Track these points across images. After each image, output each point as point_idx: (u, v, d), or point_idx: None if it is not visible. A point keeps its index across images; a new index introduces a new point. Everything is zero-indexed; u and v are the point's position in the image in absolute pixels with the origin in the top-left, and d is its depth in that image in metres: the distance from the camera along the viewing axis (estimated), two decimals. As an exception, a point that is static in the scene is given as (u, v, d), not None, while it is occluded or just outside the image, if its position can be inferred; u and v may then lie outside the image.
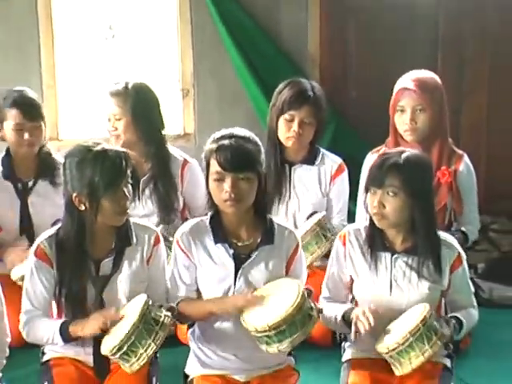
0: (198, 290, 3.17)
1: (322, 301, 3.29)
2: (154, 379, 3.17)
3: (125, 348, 2.90)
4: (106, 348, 2.96)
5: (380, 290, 3.16)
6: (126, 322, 2.94)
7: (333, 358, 3.56)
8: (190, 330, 3.24)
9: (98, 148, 3.02)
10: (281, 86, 4.12)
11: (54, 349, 3.21)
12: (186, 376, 3.23)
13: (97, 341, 3.05)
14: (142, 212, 4.11)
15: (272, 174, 3.98)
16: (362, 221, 3.38)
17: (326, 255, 3.58)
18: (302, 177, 4.17)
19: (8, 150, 4.15)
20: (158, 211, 4.15)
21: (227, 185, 2.99)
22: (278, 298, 2.95)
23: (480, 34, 5.47)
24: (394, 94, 3.97)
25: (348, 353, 3.31)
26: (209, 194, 3.09)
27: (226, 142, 3.00)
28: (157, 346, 2.92)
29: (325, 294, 3.32)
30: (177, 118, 5.45)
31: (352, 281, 3.27)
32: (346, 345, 3.35)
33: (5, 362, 3.13)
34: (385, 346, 3.00)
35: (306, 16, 5.41)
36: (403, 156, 3.11)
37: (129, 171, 3.07)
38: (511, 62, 5.50)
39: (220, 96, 5.43)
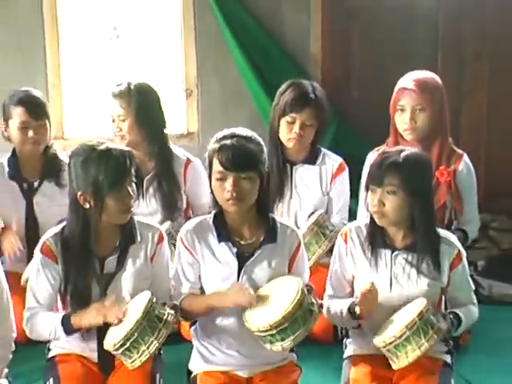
0: (201, 288, 3.17)
1: (326, 298, 3.29)
2: (158, 375, 3.17)
3: (127, 344, 2.91)
4: (109, 343, 2.96)
5: (380, 287, 3.15)
6: (129, 318, 2.94)
7: (334, 354, 3.56)
8: (193, 327, 3.24)
9: (103, 147, 3.03)
10: (283, 86, 4.12)
11: (60, 345, 3.22)
12: (190, 372, 3.23)
13: (101, 337, 3.05)
14: (146, 210, 4.12)
15: (273, 174, 3.98)
16: (363, 219, 3.38)
17: (330, 251, 3.59)
18: (304, 176, 4.17)
19: (14, 151, 4.16)
20: (161, 209, 4.15)
21: (229, 184, 2.99)
22: (278, 297, 2.95)
23: (480, 34, 5.46)
24: (394, 93, 3.97)
25: (349, 349, 3.32)
26: (212, 192, 3.09)
27: (228, 141, 3.00)
28: (159, 344, 2.92)
29: (329, 292, 3.32)
30: (180, 117, 5.45)
31: (354, 277, 3.27)
32: (347, 341, 3.36)
33: (11, 356, 3.13)
34: (382, 339, 3.01)
35: (308, 18, 5.41)
36: (402, 155, 3.11)
37: (133, 170, 3.08)
38: (511, 62, 5.49)
39: (223, 96, 5.43)
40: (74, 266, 3.08)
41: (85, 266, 3.08)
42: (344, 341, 3.39)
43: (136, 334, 2.89)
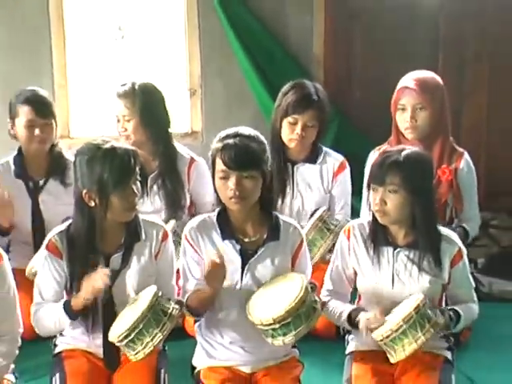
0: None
1: (324, 293, 3.29)
2: (163, 371, 3.16)
3: (132, 335, 2.91)
4: (114, 335, 2.96)
5: (382, 284, 3.16)
6: (135, 310, 2.94)
7: (336, 350, 3.55)
8: (197, 323, 3.24)
9: (107, 146, 3.03)
10: (286, 87, 4.12)
11: (66, 341, 3.22)
12: (193, 368, 3.23)
13: (106, 332, 3.04)
14: (151, 208, 4.12)
15: (275, 173, 3.98)
16: (366, 216, 3.38)
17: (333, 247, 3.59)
18: (305, 175, 4.18)
19: (20, 150, 4.16)
20: (165, 208, 4.16)
21: (232, 183, 2.98)
22: (283, 292, 2.95)
23: (480, 35, 5.46)
24: (395, 92, 3.97)
25: (351, 345, 3.31)
26: (215, 191, 3.09)
27: (230, 141, 3.00)
28: (163, 336, 2.92)
29: (328, 287, 3.32)
30: (184, 116, 5.46)
31: (355, 274, 3.27)
32: (349, 337, 3.35)
33: (17, 352, 3.13)
34: (379, 332, 3.01)
35: (311, 19, 5.41)
36: (403, 154, 3.11)
37: (137, 168, 3.08)
38: (511, 63, 5.49)
39: (226, 96, 5.43)
40: (79, 263, 3.08)
41: (90, 264, 3.08)
42: (346, 337, 3.39)
43: (141, 326, 2.89)
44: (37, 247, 3.84)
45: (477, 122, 5.58)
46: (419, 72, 3.99)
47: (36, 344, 3.52)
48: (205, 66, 5.39)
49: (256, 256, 3.09)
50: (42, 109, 4.06)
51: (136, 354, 2.94)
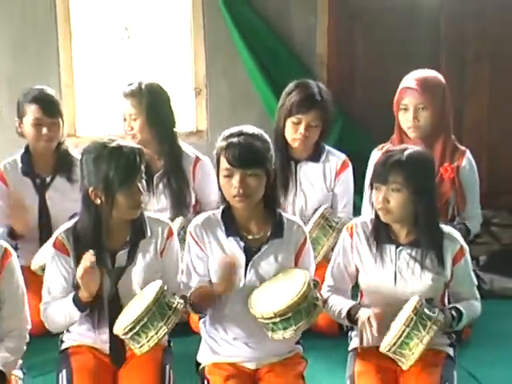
0: (210, 282, 3.15)
1: (325, 289, 3.29)
2: (168, 367, 3.16)
3: (137, 328, 2.90)
4: (119, 327, 2.96)
5: (385, 281, 3.15)
6: (140, 304, 2.95)
7: (340, 346, 3.54)
8: (202, 320, 3.24)
9: (113, 144, 3.03)
10: (289, 87, 4.12)
11: (72, 337, 3.22)
12: (198, 364, 3.22)
13: (112, 328, 3.04)
14: (156, 206, 4.12)
15: (278, 172, 3.98)
16: (367, 215, 3.37)
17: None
18: (308, 173, 4.17)
19: (27, 148, 4.16)
20: (171, 206, 4.16)
21: (236, 181, 2.98)
22: (285, 287, 2.95)
23: (481, 35, 5.45)
24: (397, 92, 3.96)
25: (354, 342, 3.30)
26: (220, 189, 3.09)
27: (234, 139, 3.00)
28: (168, 330, 2.92)
29: (329, 283, 3.31)
30: (189, 115, 5.46)
31: (357, 271, 3.26)
32: (352, 334, 3.35)
33: (25, 348, 3.13)
34: (385, 343, 3.01)
35: (315, 20, 5.41)
36: (406, 153, 3.11)
37: (143, 167, 3.08)
38: (511, 63, 5.48)
39: (231, 95, 5.43)
40: (85, 260, 3.08)
41: (97, 260, 3.07)
42: (349, 333, 3.39)
43: (146, 319, 2.89)
44: (43, 243, 3.85)
45: (478, 121, 5.58)
46: (421, 71, 3.98)
47: (43, 340, 3.52)
48: (210, 66, 5.39)
49: (259, 253, 3.09)
50: (49, 108, 4.07)
51: (141, 346, 2.94)
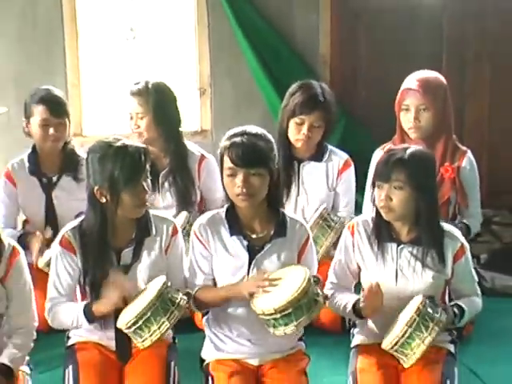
0: (214, 280, 3.17)
1: (328, 286, 3.29)
2: (173, 363, 3.16)
3: (140, 323, 2.91)
4: (122, 322, 2.97)
5: (386, 279, 3.15)
6: (143, 299, 2.95)
7: (342, 343, 3.55)
8: (205, 317, 3.24)
9: (119, 144, 3.03)
10: (293, 87, 4.12)
11: (79, 333, 3.22)
12: (202, 360, 3.23)
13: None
14: (162, 204, 4.14)
15: (281, 171, 3.99)
16: (368, 213, 3.38)
17: (337, 243, 3.59)
18: (311, 173, 4.18)
19: (34, 147, 4.17)
20: (176, 203, 4.17)
21: (239, 180, 2.99)
22: (285, 283, 2.95)
23: (482, 35, 5.45)
24: (399, 93, 3.97)
25: (357, 339, 3.31)
26: (224, 189, 3.10)
27: (238, 139, 3.00)
28: (170, 325, 2.93)
29: (332, 280, 3.32)
30: (194, 115, 5.46)
31: (359, 269, 3.27)
32: (354, 331, 3.35)
33: (32, 345, 3.14)
34: (387, 342, 3.02)
35: (317, 19, 5.41)
36: (408, 152, 3.11)
37: (148, 166, 3.08)
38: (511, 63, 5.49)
39: (235, 95, 5.44)
40: (91, 258, 3.09)
41: (102, 258, 3.08)
42: (351, 330, 3.39)
43: (149, 314, 2.90)
44: (50, 242, 3.85)
45: (478, 121, 5.58)
46: (423, 72, 3.98)
47: (50, 336, 3.54)
48: (214, 66, 5.39)
49: (263, 252, 3.09)
50: (56, 108, 4.07)
51: (143, 341, 2.95)
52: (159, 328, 2.92)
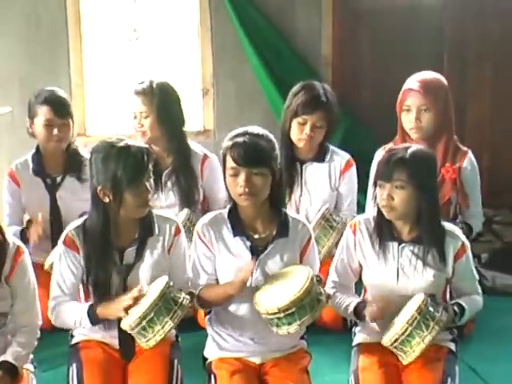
0: (217, 280, 3.17)
1: (329, 284, 3.29)
2: (176, 361, 3.17)
3: (143, 323, 2.92)
4: (126, 323, 2.97)
5: (387, 278, 3.16)
6: (146, 299, 2.96)
7: (344, 342, 3.55)
8: (208, 316, 3.25)
9: (122, 144, 3.03)
10: (296, 88, 4.13)
11: (82, 332, 3.22)
12: (205, 359, 3.24)
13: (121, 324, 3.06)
14: (165, 203, 4.15)
15: (284, 172, 3.99)
16: (370, 212, 3.38)
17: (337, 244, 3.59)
18: (313, 174, 4.19)
19: (38, 148, 4.18)
20: (179, 202, 4.17)
21: (241, 179, 2.99)
22: (288, 283, 2.96)
23: (481, 36, 5.44)
24: (400, 94, 3.97)
25: (358, 337, 3.31)
26: (226, 188, 3.10)
27: (240, 139, 3.01)
28: (174, 324, 2.93)
29: (333, 278, 3.32)
30: (197, 115, 5.47)
31: (361, 267, 3.27)
32: (356, 329, 3.35)
33: (36, 343, 3.15)
34: (387, 338, 3.02)
35: (319, 20, 5.41)
36: (409, 151, 3.12)
37: (150, 166, 3.08)
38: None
39: (238, 95, 5.44)
40: (95, 257, 3.09)
41: (105, 257, 3.09)
42: (353, 329, 3.39)
43: (152, 314, 2.91)
44: (55, 241, 3.85)
45: (480, 121, 5.57)
46: (424, 73, 3.98)
47: (54, 335, 3.54)
48: (217, 67, 5.40)
49: (266, 252, 3.09)
50: (60, 109, 4.08)
51: (147, 341, 2.95)
52: (163, 328, 2.93)
